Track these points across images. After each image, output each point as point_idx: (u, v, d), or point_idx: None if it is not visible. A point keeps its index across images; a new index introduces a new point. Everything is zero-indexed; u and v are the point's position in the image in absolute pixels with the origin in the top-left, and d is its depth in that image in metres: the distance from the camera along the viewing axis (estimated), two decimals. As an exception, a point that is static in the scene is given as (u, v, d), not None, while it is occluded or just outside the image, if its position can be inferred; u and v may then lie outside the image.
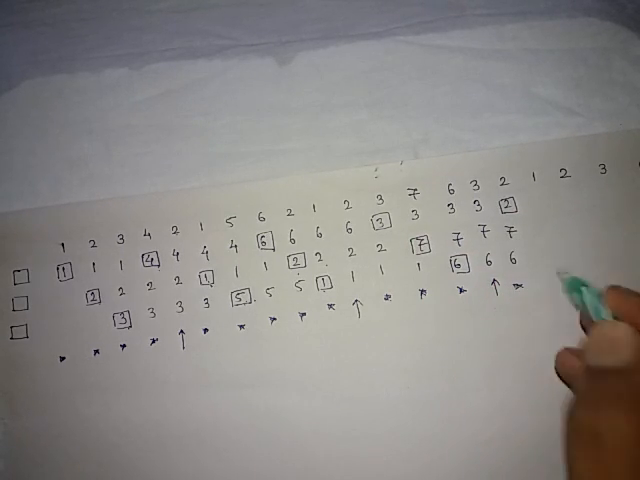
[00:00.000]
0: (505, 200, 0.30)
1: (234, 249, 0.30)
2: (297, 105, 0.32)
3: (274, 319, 0.29)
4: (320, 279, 0.30)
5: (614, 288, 0.22)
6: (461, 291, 0.29)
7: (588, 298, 0.22)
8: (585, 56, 0.32)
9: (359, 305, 0.29)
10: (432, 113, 0.32)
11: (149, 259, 0.30)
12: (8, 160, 0.31)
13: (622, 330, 0.20)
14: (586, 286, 0.23)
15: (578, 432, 0.19)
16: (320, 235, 0.30)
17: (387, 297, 0.29)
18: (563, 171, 0.30)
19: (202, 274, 0.30)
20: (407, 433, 0.28)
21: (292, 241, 0.30)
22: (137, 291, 0.30)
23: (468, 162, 0.30)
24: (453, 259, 0.30)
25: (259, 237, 0.30)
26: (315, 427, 0.28)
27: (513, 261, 0.29)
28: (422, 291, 0.29)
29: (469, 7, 0.33)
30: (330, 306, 0.29)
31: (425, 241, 0.30)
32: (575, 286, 0.24)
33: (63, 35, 0.33)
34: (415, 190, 0.30)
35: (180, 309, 0.29)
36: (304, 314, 0.29)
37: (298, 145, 0.31)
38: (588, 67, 0.32)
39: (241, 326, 0.29)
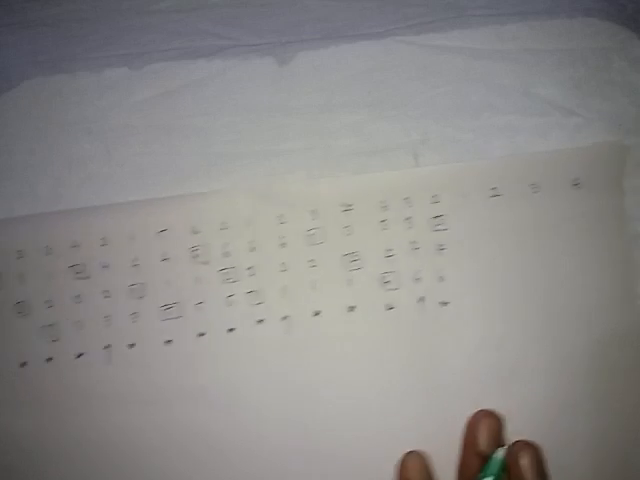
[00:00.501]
0: (437, 218, 0.30)
1: (165, 262, 0.30)
2: (297, 105, 0.32)
3: (202, 334, 0.29)
4: (251, 294, 0.29)
5: None
6: (390, 308, 0.29)
7: None
8: (585, 56, 0.32)
9: (289, 321, 0.29)
10: (432, 113, 0.32)
11: (77, 271, 0.30)
12: (8, 160, 0.31)
13: None
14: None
15: None
16: (253, 249, 0.30)
17: (317, 313, 0.29)
18: (494, 190, 0.30)
19: (131, 287, 0.30)
20: (334, 450, 0.28)
21: (224, 255, 0.30)
22: (65, 304, 0.29)
23: (401, 180, 0.30)
24: (384, 276, 0.30)
25: (192, 250, 0.30)
26: (242, 444, 0.28)
27: (441, 279, 0.29)
28: (352, 307, 0.29)
29: (469, 7, 0.33)
30: (260, 321, 0.29)
31: (357, 257, 0.30)
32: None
33: (63, 35, 0.33)
34: (349, 206, 0.30)
35: (107, 323, 0.29)
36: (233, 329, 0.29)
37: (298, 145, 0.31)
38: (588, 67, 0.32)
39: (168, 341, 0.29)
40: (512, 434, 0.28)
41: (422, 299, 0.29)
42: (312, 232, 0.30)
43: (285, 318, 0.29)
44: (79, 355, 0.29)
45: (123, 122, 0.32)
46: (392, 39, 0.33)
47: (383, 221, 0.30)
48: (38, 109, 0.32)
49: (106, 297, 0.29)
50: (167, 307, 0.29)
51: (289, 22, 0.33)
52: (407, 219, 0.30)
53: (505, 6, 0.33)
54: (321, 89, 0.32)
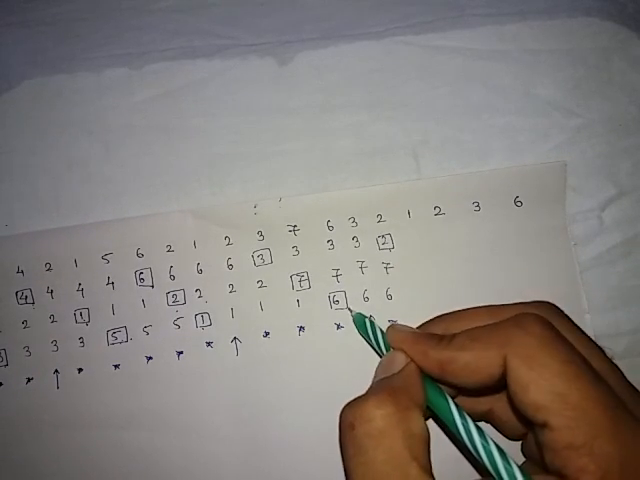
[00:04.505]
0: (382, 237, 0.30)
1: (111, 286, 0.30)
2: (297, 105, 0.32)
3: (150, 358, 0.29)
4: (199, 316, 0.30)
5: (392, 326, 0.25)
6: (339, 327, 0.29)
7: (373, 335, 0.26)
8: (585, 56, 0.32)
9: (237, 342, 0.29)
10: (432, 114, 0.32)
11: (23, 297, 0.30)
12: (7, 160, 0.31)
13: (396, 354, 0.23)
14: (372, 322, 0.27)
15: (340, 426, 0.21)
16: (200, 271, 0.30)
17: (266, 334, 0.29)
18: (437, 209, 0.30)
19: (77, 312, 0.30)
20: (288, 471, 0.28)
21: (172, 277, 0.30)
22: (12, 329, 0.29)
23: (346, 199, 0.30)
24: (332, 295, 0.30)
25: (137, 274, 0.30)
26: (194, 467, 0.28)
27: (389, 297, 0.30)
28: (300, 328, 0.29)
29: (469, 7, 0.33)
30: (208, 344, 0.29)
31: (305, 277, 0.30)
32: (362, 322, 0.27)
33: (63, 35, 0.33)
34: (295, 226, 0.30)
35: (55, 348, 0.29)
36: (181, 352, 0.29)
37: (298, 146, 0.31)
38: (588, 67, 0.32)
39: (116, 366, 0.29)
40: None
41: (371, 318, 0.29)
42: (259, 253, 0.30)
43: (234, 340, 0.29)
44: (29, 380, 0.29)
45: (123, 122, 0.32)
46: (392, 39, 0.32)
47: (329, 241, 0.30)
48: (38, 109, 0.32)
49: (52, 322, 0.30)
50: (114, 331, 0.29)
51: (289, 22, 0.33)
52: (353, 238, 0.30)
53: (505, 6, 0.33)
54: (321, 89, 0.32)
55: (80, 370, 0.29)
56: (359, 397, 0.21)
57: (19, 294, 0.30)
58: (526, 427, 0.23)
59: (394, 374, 0.22)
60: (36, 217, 0.31)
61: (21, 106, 0.32)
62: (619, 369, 0.22)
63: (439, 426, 0.27)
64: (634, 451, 0.17)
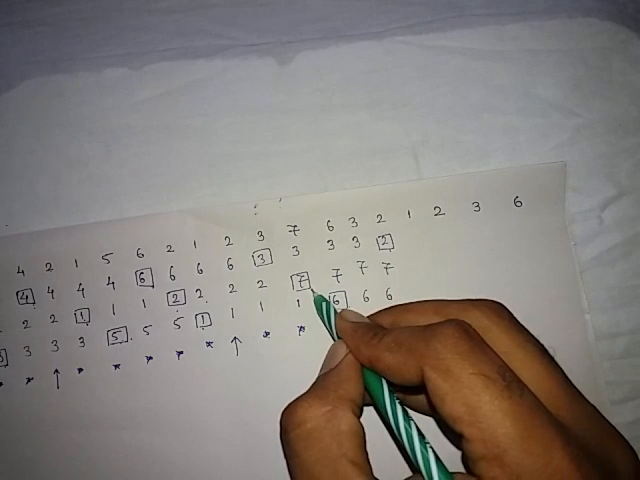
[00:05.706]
0: (382, 237, 0.30)
1: (111, 286, 0.30)
2: (297, 105, 0.32)
3: (150, 358, 0.29)
4: (199, 316, 0.30)
5: (341, 312, 0.26)
6: None
7: (327, 320, 0.27)
8: (585, 56, 0.32)
9: (237, 342, 0.29)
10: (432, 114, 0.32)
11: (24, 297, 0.30)
12: (7, 160, 0.31)
13: (339, 344, 0.24)
14: (327, 307, 0.27)
15: (279, 430, 0.22)
16: (201, 271, 0.30)
17: (266, 334, 0.29)
18: (437, 209, 0.30)
19: (78, 312, 0.30)
20: (287, 476, 0.28)
21: (172, 277, 0.30)
22: (13, 329, 0.29)
23: (346, 199, 0.31)
24: (332, 295, 0.30)
25: (138, 274, 0.30)
26: (193, 467, 0.28)
27: (389, 297, 0.30)
28: (301, 327, 0.29)
29: (469, 7, 0.33)
30: (209, 344, 0.29)
31: (305, 277, 0.30)
32: (321, 304, 0.28)
33: (63, 35, 0.33)
34: (295, 227, 0.30)
35: (55, 348, 0.29)
36: (181, 352, 0.29)
37: (297, 146, 0.31)
38: (588, 67, 0.32)
39: (116, 366, 0.29)
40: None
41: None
42: (259, 253, 0.30)
43: (234, 340, 0.29)
44: (29, 380, 0.29)
45: (123, 122, 0.32)
46: (392, 39, 0.33)
47: (329, 241, 0.30)
48: (38, 109, 0.32)
49: (53, 322, 0.30)
50: (114, 331, 0.29)
51: (289, 22, 0.33)
52: (353, 238, 0.30)
53: (505, 6, 0.33)
54: (321, 89, 0.32)
55: (80, 370, 0.29)
56: (296, 399, 0.22)
57: (19, 294, 0.30)
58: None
59: (331, 369, 0.23)
60: (36, 217, 0.31)
61: (21, 106, 0.32)
62: (560, 368, 0.22)
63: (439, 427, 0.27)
64: (546, 461, 0.18)
